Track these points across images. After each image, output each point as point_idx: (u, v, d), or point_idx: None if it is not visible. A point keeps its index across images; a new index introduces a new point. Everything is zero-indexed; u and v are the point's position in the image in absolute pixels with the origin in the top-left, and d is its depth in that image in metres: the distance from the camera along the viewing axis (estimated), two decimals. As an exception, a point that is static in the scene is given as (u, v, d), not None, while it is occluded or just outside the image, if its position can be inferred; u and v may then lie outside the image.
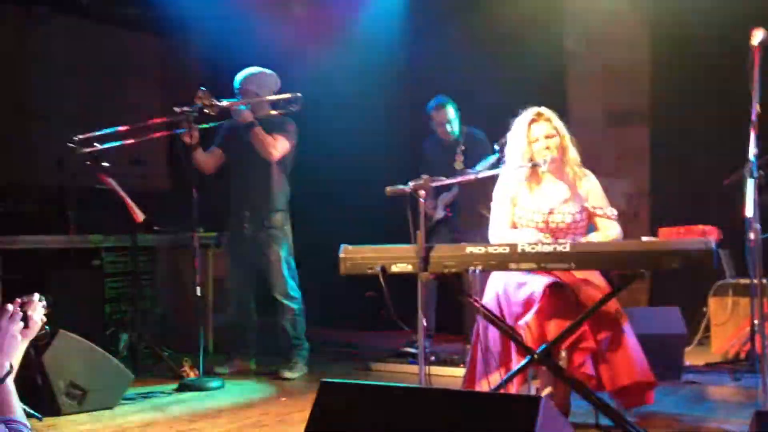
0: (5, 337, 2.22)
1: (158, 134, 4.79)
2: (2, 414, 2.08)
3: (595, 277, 3.69)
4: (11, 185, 6.47)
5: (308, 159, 5.59)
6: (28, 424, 2.10)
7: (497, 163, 4.27)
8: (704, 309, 5.67)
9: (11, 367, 2.14)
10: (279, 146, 5.17)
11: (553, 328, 3.45)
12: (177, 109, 4.79)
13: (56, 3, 8.23)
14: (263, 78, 5.26)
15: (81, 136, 4.93)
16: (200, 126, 4.99)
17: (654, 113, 6.49)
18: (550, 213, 3.81)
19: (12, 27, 7.86)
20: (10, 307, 2.27)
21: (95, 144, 4.99)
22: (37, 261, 5.75)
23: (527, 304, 3.52)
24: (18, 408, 2.11)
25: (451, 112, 5.73)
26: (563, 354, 3.50)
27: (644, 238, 3.41)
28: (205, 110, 4.83)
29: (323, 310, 7.23)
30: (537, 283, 3.53)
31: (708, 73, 6.04)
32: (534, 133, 3.83)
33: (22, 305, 2.32)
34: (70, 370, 4.12)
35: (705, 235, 5.08)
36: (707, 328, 5.68)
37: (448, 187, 5.61)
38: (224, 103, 4.97)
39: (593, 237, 3.78)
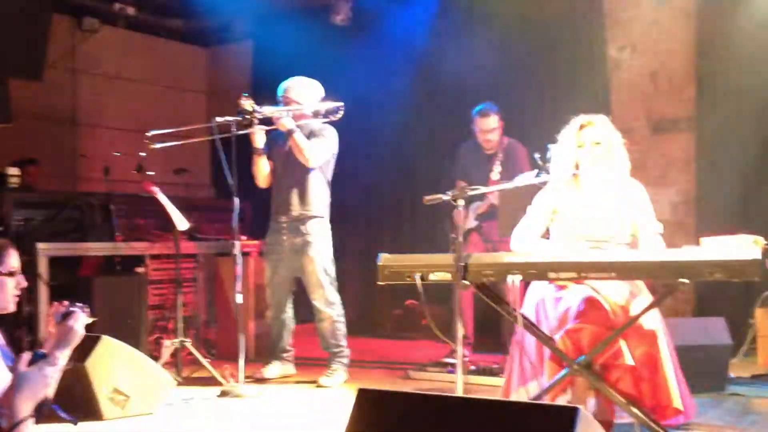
0: (75, 333, 2.75)
1: (224, 136, 4.79)
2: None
3: (638, 288, 3.63)
4: (58, 192, 6.60)
5: (348, 166, 5.61)
6: None
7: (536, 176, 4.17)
8: (750, 320, 5.54)
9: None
10: (318, 153, 5.18)
11: (589, 340, 3.40)
12: (219, 119, 4.84)
13: (105, 14, 8.40)
14: (306, 87, 5.27)
15: (152, 132, 4.95)
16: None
17: (699, 121, 6.38)
18: (595, 223, 3.75)
19: (62, 37, 8.04)
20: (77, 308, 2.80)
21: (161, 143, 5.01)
22: (82, 267, 5.86)
23: (562, 320, 3.48)
24: None
25: (494, 121, 5.69)
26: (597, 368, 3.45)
27: (686, 247, 3.34)
28: (248, 116, 4.86)
29: (362, 317, 7.26)
30: (572, 298, 3.49)
31: (753, 79, 5.94)
32: (582, 138, 3.77)
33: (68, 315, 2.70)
34: (114, 375, 4.18)
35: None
36: (754, 340, 5.56)
37: (481, 196, 5.55)
38: (266, 110, 5.00)
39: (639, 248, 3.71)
